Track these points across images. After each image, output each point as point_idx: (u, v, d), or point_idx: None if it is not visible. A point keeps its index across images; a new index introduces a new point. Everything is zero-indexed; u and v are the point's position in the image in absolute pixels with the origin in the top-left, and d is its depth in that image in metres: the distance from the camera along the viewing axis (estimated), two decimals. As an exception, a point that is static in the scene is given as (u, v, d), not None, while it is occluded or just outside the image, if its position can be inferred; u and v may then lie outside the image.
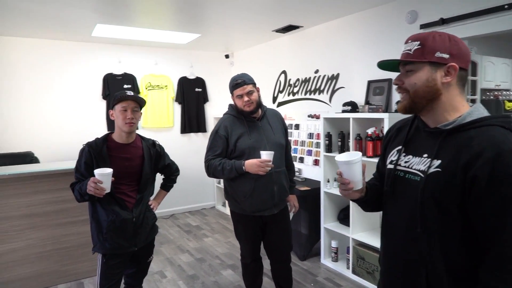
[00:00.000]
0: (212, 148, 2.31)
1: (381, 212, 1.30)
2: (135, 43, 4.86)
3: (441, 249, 1.03)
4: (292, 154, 4.40)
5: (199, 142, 5.42)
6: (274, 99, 4.88)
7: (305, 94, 4.34)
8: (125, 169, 1.99)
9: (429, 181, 1.05)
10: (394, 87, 1.17)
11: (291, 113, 4.56)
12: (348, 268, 3.30)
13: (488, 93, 4.32)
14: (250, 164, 2.16)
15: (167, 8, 3.34)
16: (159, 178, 2.30)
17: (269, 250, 2.50)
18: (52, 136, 4.51)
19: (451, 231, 1.02)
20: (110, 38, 4.44)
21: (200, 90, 5.48)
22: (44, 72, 4.46)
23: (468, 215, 1.00)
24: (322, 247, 3.58)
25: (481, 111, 1.06)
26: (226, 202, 2.49)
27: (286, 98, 4.67)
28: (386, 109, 3.25)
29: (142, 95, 5.02)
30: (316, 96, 4.17)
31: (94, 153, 1.93)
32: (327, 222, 3.53)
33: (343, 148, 3.40)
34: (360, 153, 1.23)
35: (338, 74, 3.85)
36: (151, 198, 2.26)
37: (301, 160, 4.34)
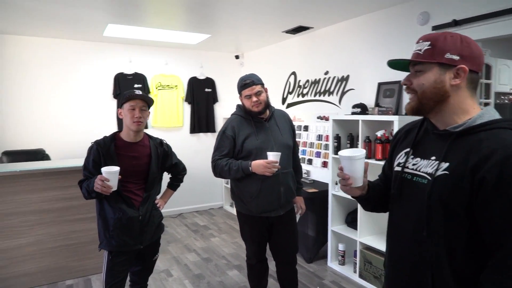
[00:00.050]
0: (219, 148, 2.31)
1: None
2: (146, 43, 4.90)
3: (447, 253, 1.01)
4: (301, 156, 4.40)
5: (208, 142, 5.43)
6: (284, 100, 4.87)
7: (315, 95, 4.31)
8: (132, 167, 2.00)
9: (437, 184, 1.03)
10: (403, 87, 1.15)
11: (300, 115, 4.54)
12: (355, 272, 3.27)
13: (502, 97, 4.24)
14: (256, 164, 2.15)
15: (177, 8, 3.36)
16: (166, 177, 2.31)
17: (274, 251, 2.49)
18: (63, 134, 4.57)
19: (458, 234, 1.00)
20: (121, 38, 4.49)
21: (209, 90, 5.49)
22: (56, 71, 4.52)
23: (475, 218, 0.98)
24: (329, 250, 3.55)
25: (492, 114, 1.04)
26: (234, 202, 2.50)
27: (296, 99, 4.65)
28: (397, 112, 3.21)
29: (152, 94, 5.06)
30: (326, 97, 4.14)
31: (102, 151, 1.95)
32: (335, 225, 3.50)
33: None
34: (364, 151, 1.23)
35: (348, 76, 3.82)
36: (158, 196, 2.27)
37: (310, 162, 4.32)
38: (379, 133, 3.04)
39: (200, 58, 5.46)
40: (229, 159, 2.27)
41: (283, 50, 4.86)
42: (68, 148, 4.52)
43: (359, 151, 1.21)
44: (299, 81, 4.58)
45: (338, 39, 3.92)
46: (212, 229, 4.71)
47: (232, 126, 2.30)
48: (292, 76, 4.70)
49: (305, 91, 4.48)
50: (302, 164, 4.28)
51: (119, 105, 2.04)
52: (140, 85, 4.94)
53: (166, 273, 3.44)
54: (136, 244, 2.04)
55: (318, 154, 4.21)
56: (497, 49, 4.29)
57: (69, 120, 4.63)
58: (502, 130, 0.98)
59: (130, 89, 4.37)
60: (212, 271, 3.46)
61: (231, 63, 5.70)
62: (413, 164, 1.14)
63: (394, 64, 1.15)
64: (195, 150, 5.37)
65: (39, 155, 3.93)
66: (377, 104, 3.37)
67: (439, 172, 1.03)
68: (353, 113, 3.34)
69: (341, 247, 3.45)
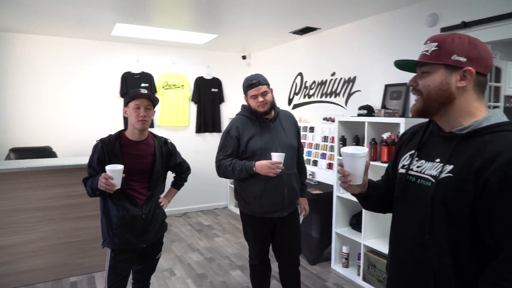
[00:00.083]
0: (223, 148, 2.31)
1: None
2: (153, 43, 4.93)
3: (451, 256, 1.00)
4: (306, 157, 4.38)
5: (214, 142, 5.43)
6: (290, 101, 4.86)
7: (321, 96, 4.30)
8: (136, 166, 2.01)
9: (440, 186, 1.02)
10: (410, 88, 1.15)
11: (306, 116, 4.53)
12: (358, 274, 3.25)
13: (512, 100, 4.18)
14: (260, 165, 2.14)
15: (185, 8, 3.37)
16: (170, 176, 2.31)
17: (277, 252, 2.48)
18: (70, 132, 4.61)
19: (461, 238, 0.99)
20: (129, 37, 4.51)
21: (216, 90, 5.50)
22: (64, 69, 4.56)
23: (478, 222, 0.96)
24: (333, 252, 3.53)
25: (499, 117, 1.02)
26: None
27: (302, 100, 4.64)
28: (403, 114, 3.18)
29: (159, 94, 5.08)
30: (332, 99, 4.12)
31: (107, 149, 1.96)
32: (339, 227, 3.48)
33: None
34: (366, 149, 1.22)
35: (355, 77, 3.80)
36: (162, 195, 2.27)
37: (315, 163, 4.30)
38: (385, 135, 3.02)
39: (207, 58, 5.47)
40: (233, 159, 2.27)
41: (290, 51, 4.85)
42: (75, 146, 4.56)
43: (362, 149, 1.22)
44: (306, 82, 4.56)
45: (346, 40, 3.90)
46: (216, 229, 4.71)
47: (237, 126, 2.30)
48: (299, 77, 4.69)
49: (311, 92, 4.46)
50: (307, 166, 4.28)
51: (125, 104, 2.05)
52: (147, 84, 4.97)
53: (169, 272, 3.44)
54: (139, 243, 2.04)
55: (323, 156, 4.19)
56: (508, 52, 4.24)
57: (76, 118, 4.66)
58: (508, 132, 0.96)
59: (137, 88, 4.40)
60: (215, 271, 3.46)
61: (238, 63, 5.71)
62: (418, 167, 1.13)
63: (401, 65, 1.14)
64: (200, 150, 5.39)
65: (46, 152, 3.97)
66: (383, 106, 3.35)
67: (443, 175, 1.02)
68: (359, 115, 3.32)
69: (345, 249, 3.43)
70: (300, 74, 4.66)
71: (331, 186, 3.67)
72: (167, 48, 5.17)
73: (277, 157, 2.11)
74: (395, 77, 3.27)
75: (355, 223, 3.42)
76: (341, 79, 3.98)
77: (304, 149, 4.42)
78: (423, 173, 1.10)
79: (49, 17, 3.62)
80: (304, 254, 3.67)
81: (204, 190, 5.51)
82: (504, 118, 1.02)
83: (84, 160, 3.29)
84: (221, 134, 5.41)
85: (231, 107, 5.60)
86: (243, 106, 2.41)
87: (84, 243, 3.30)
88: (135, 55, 4.96)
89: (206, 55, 5.46)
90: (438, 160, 1.07)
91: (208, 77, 5.45)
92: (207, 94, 5.44)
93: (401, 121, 2.81)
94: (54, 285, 3.13)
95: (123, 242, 2.00)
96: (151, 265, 2.24)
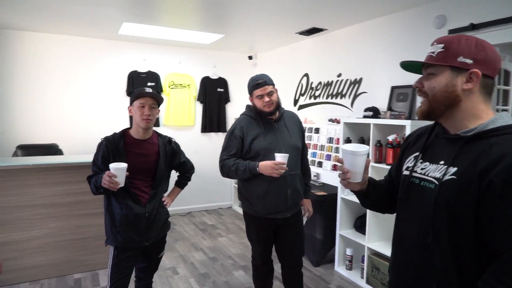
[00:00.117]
0: (227, 148, 2.31)
1: None
2: (160, 42, 4.95)
3: (453, 260, 0.98)
4: (311, 158, 4.37)
5: (219, 142, 5.42)
6: (295, 102, 4.85)
7: (327, 98, 4.28)
8: (140, 164, 2.02)
9: (443, 188, 1.01)
10: (416, 90, 1.14)
11: (311, 117, 4.51)
12: (362, 277, 3.23)
13: (520, 104, 4.13)
14: (264, 165, 2.14)
15: (192, 8, 3.38)
16: (174, 175, 2.31)
17: (280, 253, 2.48)
18: (77, 130, 4.65)
19: (464, 241, 0.97)
20: (136, 36, 4.54)
21: (222, 90, 5.51)
22: (71, 68, 4.60)
23: (481, 224, 0.95)
24: (337, 254, 3.51)
25: (506, 120, 1.01)
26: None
27: (308, 101, 4.62)
28: (410, 116, 3.15)
29: (165, 93, 5.10)
30: (338, 100, 4.10)
31: (111, 147, 1.97)
32: (343, 229, 3.46)
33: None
34: (367, 147, 1.22)
35: (361, 79, 3.78)
36: (165, 194, 2.28)
37: (320, 164, 4.29)
38: (390, 138, 3.00)
39: (213, 58, 5.48)
40: (237, 159, 2.27)
41: (296, 52, 4.84)
42: (81, 144, 4.59)
43: (363, 147, 1.22)
44: (312, 83, 4.55)
45: (352, 42, 3.88)
46: (220, 228, 4.71)
47: (241, 126, 2.29)
48: (305, 78, 4.68)
49: (317, 93, 4.45)
50: (312, 167, 4.28)
51: (130, 103, 2.06)
52: (153, 84, 4.99)
53: (172, 270, 3.45)
54: (142, 241, 2.05)
55: (328, 157, 4.17)
56: (517, 55, 4.18)
57: (83, 116, 4.70)
58: None
59: (142, 87, 4.43)
60: (218, 271, 3.46)
61: (244, 64, 5.71)
62: (422, 169, 1.12)
63: (407, 66, 1.14)
64: (206, 150, 5.40)
65: (52, 149, 4.00)
66: (389, 108, 3.32)
67: (447, 177, 1.01)
68: (364, 117, 3.30)
69: (348, 251, 3.41)
70: (306, 75, 4.65)
71: (336, 188, 3.65)
72: (173, 48, 5.19)
73: (280, 157, 2.11)
74: (401, 79, 3.25)
75: (359, 226, 3.39)
76: (347, 80, 3.96)
77: (309, 150, 4.41)
78: (427, 175, 1.09)
79: (57, 16, 3.65)
80: (307, 256, 3.66)
81: (208, 190, 5.52)
82: (511, 121, 1.01)
83: (90, 158, 3.30)
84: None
85: (236, 107, 5.60)
86: (247, 106, 2.41)
87: (88, 241, 3.32)
88: (142, 54, 4.98)
89: (212, 55, 5.47)
90: (442, 162, 1.06)
91: (214, 77, 5.46)
92: (213, 94, 5.45)
93: (407, 123, 2.79)
94: (58, 282, 3.16)
95: (126, 240, 2.01)
96: (154, 263, 2.25)
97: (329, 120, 4.20)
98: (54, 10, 3.45)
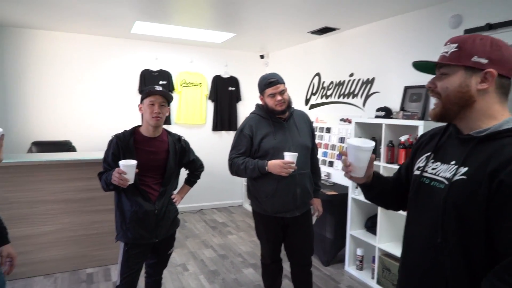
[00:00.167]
0: (236, 146, 2.32)
1: None
2: (172, 41, 4.98)
3: (463, 261, 0.97)
4: (322, 158, 4.35)
5: (230, 140, 5.34)
6: (307, 101, 4.83)
7: (339, 97, 4.25)
8: (150, 162, 2.04)
9: (453, 189, 0.99)
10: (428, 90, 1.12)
11: (323, 116, 4.49)
12: (372, 278, 3.20)
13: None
14: (273, 164, 2.14)
15: (203, 7, 3.39)
16: (184, 173, 2.33)
17: (289, 253, 2.47)
18: (90, 127, 4.72)
19: (474, 242, 0.95)
20: (148, 35, 4.58)
21: (233, 89, 5.52)
22: (84, 66, 4.67)
23: (490, 226, 0.93)
24: (347, 254, 3.49)
25: None
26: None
27: (319, 100, 4.60)
28: (423, 117, 3.11)
29: (176, 91, 5.14)
30: (350, 100, 4.07)
31: (122, 145, 1.99)
32: (354, 229, 3.44)
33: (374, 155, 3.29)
34: (373, 143, 1.23)
35: (373, 79, 3.74)
36: (175, 192, 2.30)
37: (331, 164, 4.26)
38: (403, 138, 2.96)
39: (225, 56, 5.49)
40: (246, 158, 2.27)
41: (308, 51, 4.82)
42: (94, 141, 4.66)
43: (368, 143, 1.22)
44: (323, 82, 4.52)
45: (365, 41, 3.84)
46: (230, 226, 4.73)
47: (250, 125, 2.30)
48: (316, 77, 4.65)
49: (329, 92, 4.42)
50: (323, 166, 4.26)
51: (140, 101, 2.08)
52: (165, 82, 5.03)
53: (182, 267, 3.48)
54: (151, 238, 2.07)
55: (339, 157, 4.15)
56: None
57: (96, 114, 4.77)
58: None
59: (153, 86, 4.48)
60: (227, 268, 3.48)
61: (256, 63, 5.71)
62: (433, 169, 1.11)
63: (420, 66, 1.12)
64: (216, 148, 5.42)
65: (66, 146, 4.07)
66: (402, 108, 3.28)
67: (457, 177, 0.99)
68: (376, 117, 3.27)
69: (359, 252, 3.38)
70: (318, 74, 4.62)
71: (346, 188, 3.62)
72: (185, 47, 5.22)
73: (289, 156, 2.11)
74: (415, 79, 3.21)
75: (370, 226, 3.37)
76: (359, 80, 3.93)
77: (320, 149, 4.38)
78: (438, 176, 1.07)
79: (70, 14, 3.71)
80: (317, 255, 3.65)
81: (219, 188, 5.55)
82: None
83: (102, 155, 3.35)
84: (237, 132, 5.48)
85: (247, 106, 5.61)
86: (257, 105, 2.41)
87: (101, 236, 3.37)
88: (154, 52, 5.03)
89: (224, 54, 5.48)
90: (453, 162, 1.04)
91: (226, 75, 5.47)
92: (224, 92, 5.47)
93: (419, 123, 2.75)
94: (71, 276, 3.22)
95: (135, 236, 2.03)
96: (163, 260, 2.27)
97: (341, 120, 4.17)
98: (67, 9, 3.51)
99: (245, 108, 5.61)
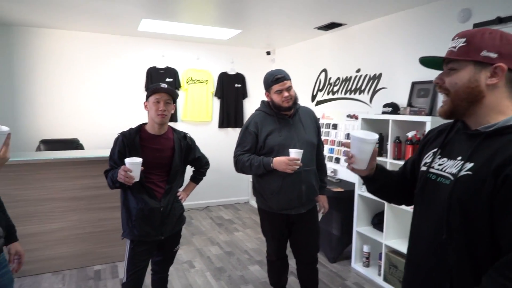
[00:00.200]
0: (241, 143, 2.31)
1: None
2: (178, 38, 4.98)
3: (468, 257, 0.96)
4: (328, 154, 4.33)
5: (236, 137, 5.40)
6: (313, 97, 4.80)
7: (345, 93, 4.21)
8: (155, 159, 2.04)
9: (458, 184, 0.98)
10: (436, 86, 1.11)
11: (329, 113, 4.46)
12: (379, 275, 3.18)
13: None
14: (278, 161, 2.13)
15: (210, 3, 3.38)
16: (189, 170, 2.33)
17: (295, 250, 2.47)
18: (97, 125, 4.75)
19: (479, 238, 0.94)
20: (155, 32, 4.58)
21: (239, 86, 5.51)
22: (91, 64, 4.70)
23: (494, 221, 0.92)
24: (354, 251, 3.47)
25: None
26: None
27: (326, 97, 4.57)
28: (430, 112, 3.07)
29: (183, 89, 5.15)
30: (356, 96, 4.04)
31: (127, 142, 2.00)
32: (360, 226, 3.42)
33: (381, 151, 3.27)
34: (376, 136, 1.23)
35: (380, 74, 3.70)
36: (181, 189, 2.30)
37: (337, 160, 4.24)
38: (410, 134, 2.93)
39: (231, 53, 5.48)
40: (251, 155, 2.27)
41: (314, 47, 4.78)
42: (101, 139, 4.69)
43: (371, 135, 1.23)
44: (330, 78, 4.49)
45: (372, 36, 3.80)
46: (236, 223, 4.74)
47: (255, 122, 2.29)
48: (323, 73, 4.62)
49: (335, 88, 4.39)
50: (329, 163, 4.24)
51: (146, 98, 2.08)
52: (171, 79, 5.03)
53: (188, 264, 3.50)
54: (157, 235, 2.08)
55: (346, 153, 4.11)
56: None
57: (103, 111, 4.80)
58: None
59: (158, 83, 4.48)
60: (233, 265, 3.49)
61: (262, 59, 5.69)
62: (439, 164, 1.09)
63: (427, 62, 1.10)
64: (223, 145, 5.42)
65: (73, 144, 4.11)
66: (409, 104, 3.24)
67: (462, 173, 0.98)
68: (383, 112, 3.24)
69: (366, 248, 3.37)
70: (325, 70, 4.59)
71: (353, 184, 3.60)
72: (191, 44, 5.22)
73: (295, 153, 2.09)
74: (422, 74, 3.17)
75: (377, 223, 3.35)
76: (366, 75, 3.89)
77: (327, 146, 4.36)
78: (444, 171, 1.06)
79: (76, 13, 3.72)
80: (324, 252, 3.64)
81: (226, 185, 5.55)
82: None
83: (109, 152, 3.40)
84: (243, 129, 5.48)
85: (254, 103, 5.59)
86: (262, 102, 2.40)
87: (108, 233, 3.39)
88: (161, 50, 5.04)
89: (230, 51, 5.47)
90: (459, 158, 1.03)
91: (232, 72, 5.46)
92: (230, 89, 5.46)
93: (427, 119, 2.72)
94: (79, 273, 3.25)
95: (142, 234, 2.04)
96: (169, 257, 2.28)
97: (347, 116, 4.14)
98: (73, 7, 3.52)
99: (251, 105, 5.59)
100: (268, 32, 4.53)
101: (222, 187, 5.54)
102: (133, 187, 1.97)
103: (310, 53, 4.87)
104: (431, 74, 3.00)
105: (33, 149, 4.22)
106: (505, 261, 0.87)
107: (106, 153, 3.35)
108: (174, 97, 2.07)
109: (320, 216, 2.51)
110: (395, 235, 3.10)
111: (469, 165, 0.98)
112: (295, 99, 2.28)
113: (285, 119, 2.30)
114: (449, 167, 1.05)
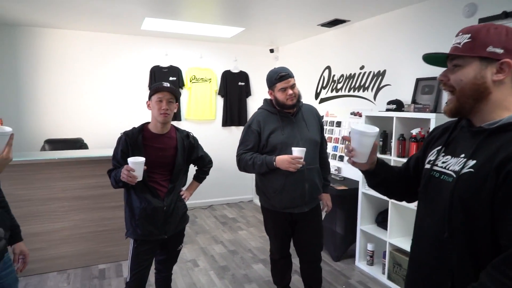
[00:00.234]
0: (244, 142, 2.31)
1: None
2: (181, 37, 4.98)
3: (470, 255, 0.95)
4: (332, 152, 4.31)
5: (240, 135, 5.43)
6: (317, 95, 4.78)
7: (349, 90, 4.19)
8: (158, 158, 2.04)
9: (460, 182, 0.97)
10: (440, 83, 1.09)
11: (333, 110, 4.44)
12: (383, 273, 3.17)
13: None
14: (281, 160, 2.12)
15: (212, 1, 3.37)
16: (192, 169, 2.33)
17: (298, 248, 2.46)
18: (101, 124, 4.76)
19: (481, 237, 0.93)
20: (158, 31, 4.58)
21: (243, 84, 5.50)
22: (94, 63, 4.71)
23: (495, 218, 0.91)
24: (358, 249, 3.46)
25: None
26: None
27: (329, 94, 4.54)
28: (435, 109, 3.04)
29: (186, 87, 5.15)
30: (360, 93, 4.01)
31: (130, 142, 2.00)
32: (364, 224, 3.40)
33: (385, 149, 3.24)
34: (377, 129, 1.23)
35: (384, 71, 3.67)
36: (184, 188, 2.29)
37: (341, 158, 4.22)
38: (414, 131, 2.91)
39: (234, 51, 5.46)
40: (254, 153, 2.26)
41: (318, 44, 4.76)
42: (105, 138, 4.71)
43: (372, 128, 1.23)
44: (334, 75, 4.47)
45: (376, 33, 3.77)
46: (240, 222, 4.74)
47: (258, 120, 2.28)
48: (327, 71, 4.59)
49: (339, 86, 4.36)
50: (333, 161, 4.22)
51: (148, 97, 2.08)
52: (175, 78, 5.03)
53: (192, 262, 3.50)
54: (161, 234, 2.08)
55: (350, 151, 4.09)
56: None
57: (107, 111, 4.81)
58: None
59: (161, 82, 4.48)
60: (237, 264, 3.49)
61: (266, 57, 5.67)
62: (443, 162, 1.08)
63: (430, 59, 1.09)
64: (226, 143, 5.42)
65: (78, 144, 4.12)
66: (414, 101, 3.22)
67: (464, 170, 0.97)
68: (387, 110, 3.21)
69: (370, 247, 3.35)
70: (328, 67, 4.57)
71: (357, 182, 3.58)
72: (195, 42, 5.21)
73: (297, 152, 2.08)
74: (427, 70, 3.14)
75: (381, 221, 3.33)
76: (370, 72, 3.86)
77: (330, 144, 4.34)
78: (447, 169, 1.05)
79: (79, 12, 3.73)
80: (328, 250, 3.63)
81: (230, 184, 5.55)
82: None
83: (111, 152, 3.41)
84: (247, 127, 5.47)
85: (257, 101, 5.58)
86: (265, 100, 2.39)
87: (112, 232, 3.40)
88: (164, 49, 5.04)
89: (233, 49, 5.46)
90: (463, 155, 1.02)
91: (235, 70, 5.45)
92: (234, 87, 5.45)
93: (431, 116, 2.69)
94: (84, 272, 3.27)
95: (145, 233, 2.04)
96: (172, 256, 2.28)
97: (351, 114, 4.12)
98: (76, 7, 3.53)
99: (255, 103, 5.58)
100: (271, 30, 4.52)
101: (226, 186, 5.54)
102: (136, 187, 1.96)
103: (313, 51, 4.85)
104: (436, 71, 2.96)
105: (38, 149, 4.24)
106: (504, 258, 0.86)
107: (110, 152, 3.33)
108: (176, 96, 2.06)
109: (323, 214, 2.50)
110: (399, 233, 3.08)
111: (472, 162, 0.96)
112: (298, 97, 2.27)
113: (287, 117, 2.28)
114: (452, 164, 1.04)
